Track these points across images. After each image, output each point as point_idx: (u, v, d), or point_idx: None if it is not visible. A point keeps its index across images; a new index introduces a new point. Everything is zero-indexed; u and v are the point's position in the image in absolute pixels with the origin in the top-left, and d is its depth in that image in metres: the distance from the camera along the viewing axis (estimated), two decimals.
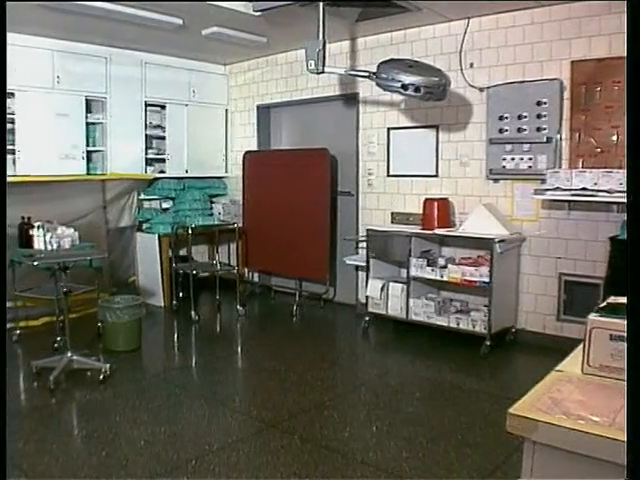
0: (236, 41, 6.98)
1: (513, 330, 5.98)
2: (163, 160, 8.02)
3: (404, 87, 5.16)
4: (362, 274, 6.95)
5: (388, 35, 6.73)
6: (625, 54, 4.62)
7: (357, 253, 7.10)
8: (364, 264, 6.61)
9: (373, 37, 6.87)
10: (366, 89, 6.94)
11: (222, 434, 4.10)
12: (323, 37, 5.20)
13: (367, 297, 6.53)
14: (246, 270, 8.17)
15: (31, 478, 3.49)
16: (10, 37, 6.45)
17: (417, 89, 5.14)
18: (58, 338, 5.89)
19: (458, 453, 3.74)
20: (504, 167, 5.90)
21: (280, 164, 7.66)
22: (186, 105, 8.11)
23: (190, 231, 7.09)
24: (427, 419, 4.30)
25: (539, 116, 5.63)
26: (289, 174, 7.46)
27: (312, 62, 5.25)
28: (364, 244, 6.68)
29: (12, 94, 6.67)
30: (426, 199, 6.21)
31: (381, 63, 5.37)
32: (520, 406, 1.54)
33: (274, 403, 4.56)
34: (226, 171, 8.66)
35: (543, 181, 5.41)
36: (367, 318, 6.52)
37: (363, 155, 7.14)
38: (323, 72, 5.33)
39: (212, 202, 8.45)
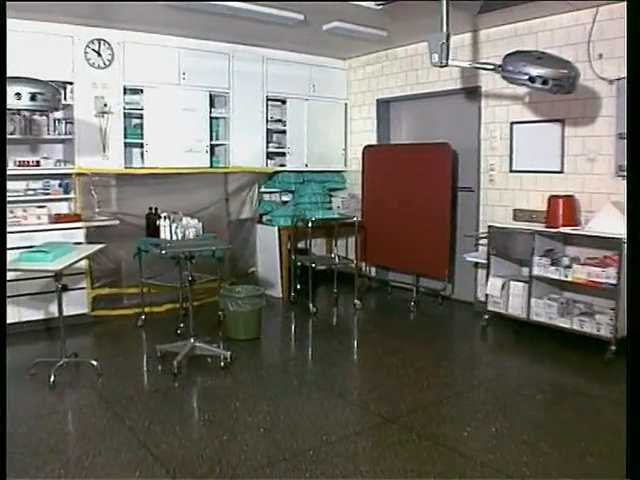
0: (356, 35, 6.98)
1: None
2: (283, 154, 8.17)
3: (531, 80, 4.97)
4: (482, 271, 6.78)
5: (511, 26, 6.51)
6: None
7: (477, 250, 6.94)
8: (484, 261, 6.45)
9: (496, 29, 6.66)
10: (488, 82, 6.75)
11: (340, 426, 4.11)
12: (447, 30, 5.09)
13: (487, 295, 6.37)
14: (364, 264, 8.16)
15: (156, 457, 3.63)
16: (139, 36, 6.79)
17: (545, 82, 4.94)
18: (181, 324, 6.12)
19: (580, 461, 3.57)
20: None
21: (400, 158, 7.59)
22: (306, 100, 8.20)
23: (310, 224, 7.14)
24: (548, 423, 4.14)
25: None
26: (409, 169, 7.37)
27: (435, 55, 5.14)
28: (484, 241, 6.52)
29: (141, 90, 6.98)
30: (551, 196, 5.97)
31: (507, 55, 5.19)
32: None
33: (392, 398, 4.53)
34: (345, 165, 8.70)
35: None
36: (486, 317, 6.36)
37: (485, 150, 6.95)
38: (447, 65, 5.20)
39: (331, 196, 8.50)
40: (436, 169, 7.01)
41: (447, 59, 5.13)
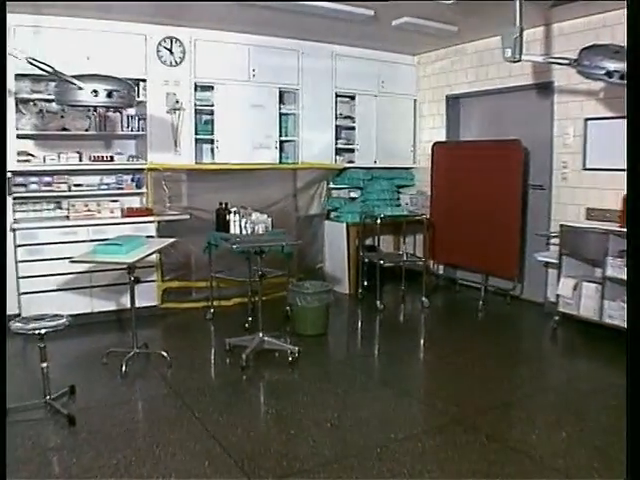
0: (426, 31, 6.91)
1: None
2: (352, 150, 8.14)
3: (608, 74, 4.82)
4: (552, 271, 6.60)
5: (585, 19, 6.29)
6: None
7: (548, 249, 6.77)
8: (555, 261, 6.28)
9: (569, 22, 6.46)
10: (562, 77, 6.56)
11: (407, 424, 4.07)
12: (520, 24, 4.97)
13: (557, 296, 6.20)
14: (431, 262, 8.07)
15: (224, 448, 3.67)
16: (210, 34, 6.88)
17: (623, 76, 4.78)
18: (249, 319, 6.18)
19: None
20: None
21: (470, 155, 7.47)
22: (375, 96, 8.16)
23: (379, 221, 7.09)
24: (621, 430, 3.98)
25: None
26: (479, 166, 7.24)
27: (508, 50, 5.03)
28: (556, 240, 6.35)
29: (211, 87, 7.07)
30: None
31: (583, 49, 5.04)
32: None
33: (459, 398, 4.45)
34: (414, 162, 8.62)
35: None
36: (556, 318, 6.20)
37: (557, 147, 6.76)
38: (520, 60, 5.09)
39: (399, 193, 8.42)
40: (507, 166, 6.87)
41: (520, 54, 5.02)
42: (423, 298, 7.14)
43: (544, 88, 6.89)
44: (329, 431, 3.93)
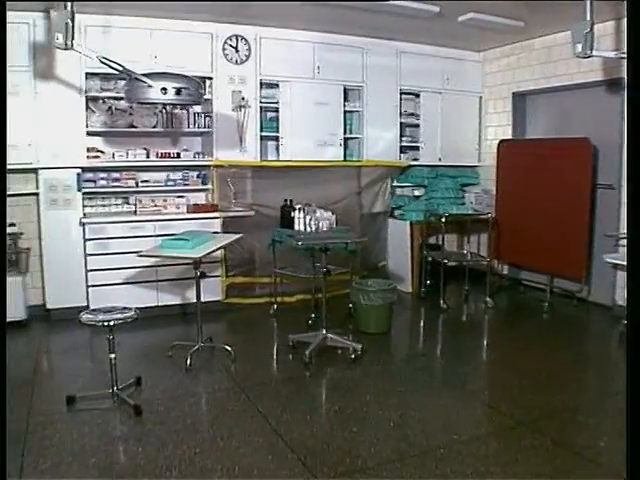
0: (492, 27, 6.80)
1: None
2: (417, 148, 8.08)
3: None
4: (621, 274, 6.42)
5: None
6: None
7: (617, 251, 6.57)
8: (625, 263, 6.10)
9: None
10: None
11: (471, 426, 4.03)
12: (591, 18, 4.83)
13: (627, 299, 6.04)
14: (495, 262, 7.95)
15: (287, 443, 3.68)
16: (275, 32, 6.92)
17: None
18: (312, 315, 6.19)
19: None
20: None
21: (536, 154, 7.31)
22: (440, 93, 8.07)
23: (443, 219, 7.02)
24: None
25: None
26: (546, 164, 7.08)
27: (579, 45, 4.89)
28: (626, 242, 6.16)
29: (276, 85, 7.12)
30: None
31: None
32: None
33: (524, 401, 4.36)
34: (479, 160, 8.49)
35: None
36: (625, 322, 6.02)
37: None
38: (591, 56, 4.95)
39: (464, 191, 8.31)
40: (575, 165, 6.70)
41: (591, 49, 4.88)
42: (487, 298, 7.04)
43: (614, 85, 6.68)
44: (392, 430, 3.90)
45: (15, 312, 6.09)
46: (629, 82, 2.70)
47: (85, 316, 4.22)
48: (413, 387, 4.67)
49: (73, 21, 4.77)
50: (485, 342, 6.15)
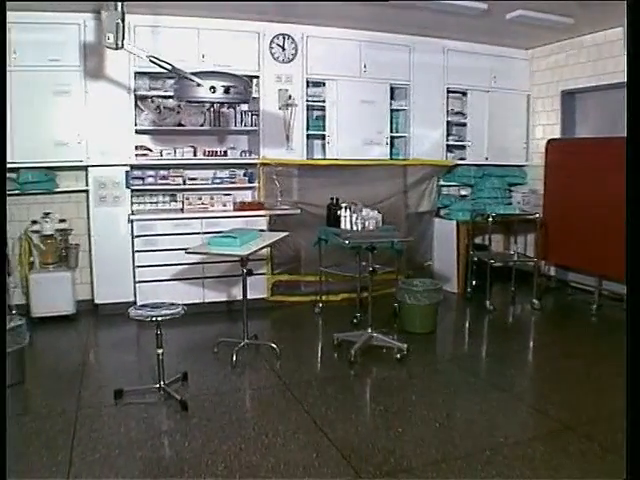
0: (541, 24, 6.70)
1: None
2: (463, 147, 8.02)
3: None
4: None
5: None
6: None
7: None
8: None
9: None
10: None
11: (517, 428, 3.98)
12: None
13: None
14: (542, 263, 7.82)
15: (332, 441, 3.68)
16: (322, 30, 6.93)
17: None
18: (357, 314, 6.18)
19: None
20: None
21: (586, 153, 7.16)
22: (487, 91, 7.97)
23: (490, 219, 6.94)
24: None
25: None
26: (596, 164, 6.93)
27: None
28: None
29: (323, 83, 7.12)
30: None
31: None
32: None
33: (571, 404, 4.28)
34: (527, 159, 8.36)
35: None
36: None
37: None
38: None
39: (511, 191, 8.21)
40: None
41: None
42: (534, 300, 6.93)
43: None
44: (437, 431, 3.87)
45: (64, 307, 6.24)
46: (629, 82, 2.64)
47: (133, 311, 4.28)
48: (459, 388, 4.64)
49: (123, 21, 4.86)
50: (531, 344, 6.05)
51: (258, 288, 6.64)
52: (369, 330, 5.27)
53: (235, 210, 6.78)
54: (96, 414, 4.09)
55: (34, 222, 6.35)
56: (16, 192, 6.24)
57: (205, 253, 5.29)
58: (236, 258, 5.18)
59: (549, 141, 7.70)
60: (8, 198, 6.13)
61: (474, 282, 7.32)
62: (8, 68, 5.91)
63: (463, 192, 8.13)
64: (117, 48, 4.90)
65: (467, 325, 6.74)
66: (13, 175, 6.24)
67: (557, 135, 7.90)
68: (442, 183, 7.98)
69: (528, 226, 7.65)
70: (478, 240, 7.92)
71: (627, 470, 1.08)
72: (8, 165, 6.00)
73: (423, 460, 3.47)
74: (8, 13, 5.76)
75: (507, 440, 3.74)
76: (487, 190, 7.83)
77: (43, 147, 6.12)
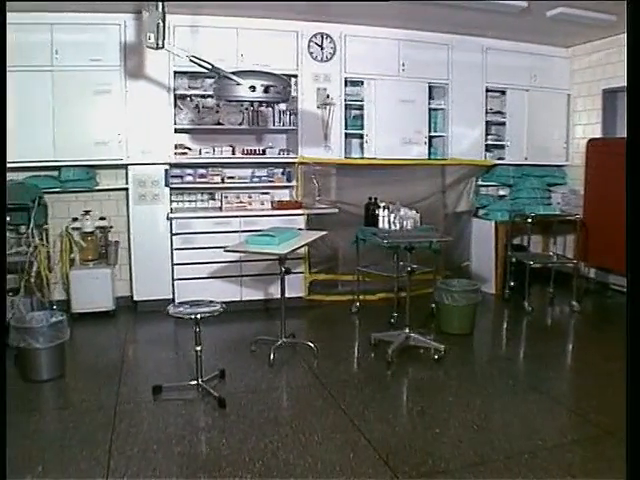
0: (582, 21, 6.60)
1: None
2: (502, 146, 7.93)
3: None
4: None
5: None
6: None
7: None
8: None
9: None
10: None
11: (556, 432, 3.91)
12: None
13: None
14: (582, 264, 7.71)
15: (369, 441, 3.68)
16: (360, 29, 6.93)
17: None
18: (394, 314, 6.16)
19: None
20: None
21: None
22: (527, 90, 7.88)
23: (529, 220, 6.86)
24: None
25: None
26: None
27: None
28: None
29: (361, 82, 7.12)
30: None
31: None
32: None
33: (612, 409, 4.17)
34: (567, 159, 8.23)
35: None
36: None
37: None
38: None
39: (550, 191, 8.11)
40: None
41: None
42: (573, 302, 6.82)
43: None
44: (475, 432, 3.84)
45: (104, 303, 6.33)
46: (629, 82, 2.60)
47: (172, 309, 4.33)
48: (497, 390, 4.59)
49: (164, 21, 4.91)
50: (570, 347, 5.97)
51: (295, 287, 6.65)
52: (406, 330, 5.24)
53: (273, 209, 6.81)
54: (135, 409, 4.15)
55: (75, 219, 6.46)
56: (57, 190, 6.35)
57: (244, 252, 5.31)
58: (274, 257, 5.20)
59: (590, 141, 7.61)
60: (50, 195, 6.30)
61: (512, 283, 7.24)
62: (50, 68, 6.05)
63: (502, 192, 8.04)
64: (158, 48, 4.96)
65: (505, 326, 6.67)
66: (55, 173, 6.35)
67: (598, 135, 7.77)
68: (480, 183, 7.89)
69: (567, 227, 7.56)
70: (516, 241, 7.83)
71: (627, 470, 1.06)
72: (50, 163, 6.15)
73: (461, 462, 3.45)
74: (49, 14, 5.95)
75: (545, 443, 3.69)
76: (526, 190, 7.74)
77: (84, 146, 6.21)
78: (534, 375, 5.00)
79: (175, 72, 6.43)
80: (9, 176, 6.21)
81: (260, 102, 5.83)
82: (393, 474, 3.31)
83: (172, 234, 6.45)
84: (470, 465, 3.42)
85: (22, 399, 4.28)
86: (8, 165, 6.02)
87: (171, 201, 6.63)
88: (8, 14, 5.80)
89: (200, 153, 6.72)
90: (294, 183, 7.01)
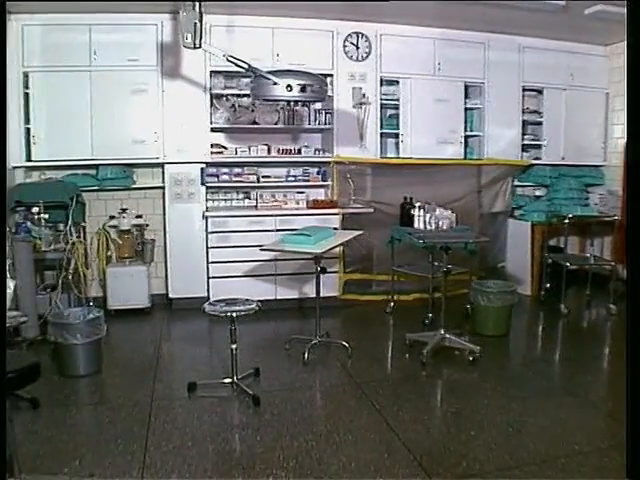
0: (620, 19, 6.47)
1: None
2: (539, 146, 7.82)
3: None
4: None
5: None
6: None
7: None
8: None
9: None
10: None
11: (593, 437, 3.85)
12: None
13: None
14: (620, 267, 7.59)
15: (403, 442, 3.67)
16: (395, 28, 6.94)
17: None
18: (429, 315, 6.13)
19: None
20: None
21: None
22: (564, 89, 7.77)
23: (567, 221, 6.78)
24: None
25: None
26: None
27: None
28: None
29: (396, 81, 7.10)
30: None
31: None
32: None
33: None
34: (604, 159, 8.11)
35: None
36: None
37: None
38: None
39: (587, 192, 8.00)
40: None
41: None
42: (610, 305, 6.72)
43: None
44: (510, 435, 3.80)
45: (140, 300, 6.41)
46: (629, 82, 2.55)
47: (208, 307, 4.37)
48: (532, 393, 4.54)
49: (201, 21, 4.95)
50: (607, 350, 5.88)
51: (330, 286, 6.65)
52: (441, 331, 5.21)
53: (308, 208, 6.84)
54: (170, 406, 4.20)
55: (112, 217, 6.55)
56: (95, 188, 6.45)
57: (280, 250, 5.34)
58: (309, 256, 5.21)
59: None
60: (88, 194, 6.39)
61: (548, 285, 7.16)
62: (88, 68, 6.14)
63: (538, 192, 7.93)
64: (195, 48, 5.01)
65: (541, 328, 6.60)
66: (92, 172, 6.44)
67: None
68: (517, 183, 7.81)
69: (605, 228, 7.45)
70: (553, 242, 7.73)
71: (627, 470, 1.04)
72: (88, 162, 6.25)
73: (496, 465, 3.42)
74: (87, 15, 6.05)
75: (582, 448, 3.65)
76: (563, 191, 7.64)
77: (121, 145, 6.31)
78: (570, 378, 4.94)
79: (211, 72, 6.48)
80: (49, 174, 6.36)
81: (296, 101, 5.83)
82: (427, 475, 3.29)
83: (207, 232, 6.50)
84: (505, 468, 3.39)
85: (59, 394, 4.36)
86: (47, 163, 6.21)
87: (207, 200, 6.68)
88: (48, 15, 6.00)
89: (236, 152, 6.76)
90: (329, 182, 7.02)
